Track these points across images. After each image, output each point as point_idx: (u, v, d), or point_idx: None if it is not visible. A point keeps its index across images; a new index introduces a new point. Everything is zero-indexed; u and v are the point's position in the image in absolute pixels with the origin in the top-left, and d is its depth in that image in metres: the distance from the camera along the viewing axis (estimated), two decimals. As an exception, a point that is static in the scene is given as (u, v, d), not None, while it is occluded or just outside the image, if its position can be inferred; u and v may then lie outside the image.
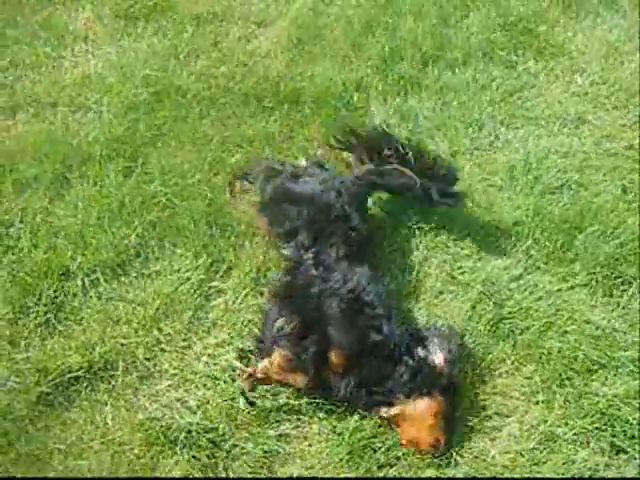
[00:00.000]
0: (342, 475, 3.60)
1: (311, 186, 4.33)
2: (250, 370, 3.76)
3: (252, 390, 3.78)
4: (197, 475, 3.59)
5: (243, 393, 3.78)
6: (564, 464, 3.68)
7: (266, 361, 3.74)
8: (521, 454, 3.73)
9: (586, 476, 3.63)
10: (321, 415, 3.82)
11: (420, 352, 3.74)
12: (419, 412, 3.62)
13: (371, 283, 3.93)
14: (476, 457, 3.72)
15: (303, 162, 4.67)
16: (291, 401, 3.87)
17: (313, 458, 3.71)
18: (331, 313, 3.77)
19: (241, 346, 4.05)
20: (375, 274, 4.09)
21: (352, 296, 3.83)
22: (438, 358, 3.69)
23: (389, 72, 5.82)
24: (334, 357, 3.67)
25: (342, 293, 3.84)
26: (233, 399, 3.85)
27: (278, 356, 3.72)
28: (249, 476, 3.61)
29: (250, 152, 5.09)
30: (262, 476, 3.62)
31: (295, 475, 3.62)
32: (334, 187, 4.30)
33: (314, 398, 3.81)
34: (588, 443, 3.77)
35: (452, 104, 5.61)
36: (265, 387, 3.84)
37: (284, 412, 3.84)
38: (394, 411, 3.63)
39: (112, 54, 5.93)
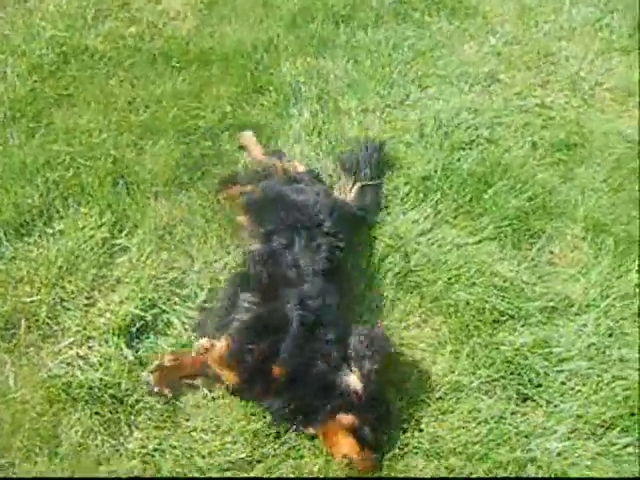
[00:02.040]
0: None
1: (307, 196, 4.24)
2: (159, 360, 3.69)
3: (159, 384, 3.67)
4: (99, 431, 3.52)
5: (148, 384, 3.68)
6: (470, 412, 3.70)
7: (207, 342, 3.63)
8: (428, 404, 3.72)
9: (492, 424, 3.66)
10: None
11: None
12: (338, 430, 3.55)
13: (334, 304, 3.84)
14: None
15: (301, 167, 4.59)
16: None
17: (218, 409, 3.68)
18: (290, 326, 3.66)
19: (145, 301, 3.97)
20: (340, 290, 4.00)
21: (313, 318, 3.71)
22: (353, 381, 3.61)
23: (300, 32, 5.78)
24: (276, 371, 3.59)
25: (307, 310, 3.72)
26: (134, 356, 3.82)
27: (225, 345, 3.61)
28: (154, 432, 3.56)
29: (158, 111, 4.95)
30: (166, 431, 3.59)
31: (199, 428, 3.58)
32: (328, 204, 4.22)
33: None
34: (495, 392, 3.77)
35: (364, 63, 5.60)
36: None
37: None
38: (316, 429, 3.58)
39: (17, 15, 5.76)
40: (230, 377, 3.60)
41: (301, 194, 4.23)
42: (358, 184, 4.52)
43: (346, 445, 3.46)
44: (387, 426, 3.59)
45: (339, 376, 3.57)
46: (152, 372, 3.64)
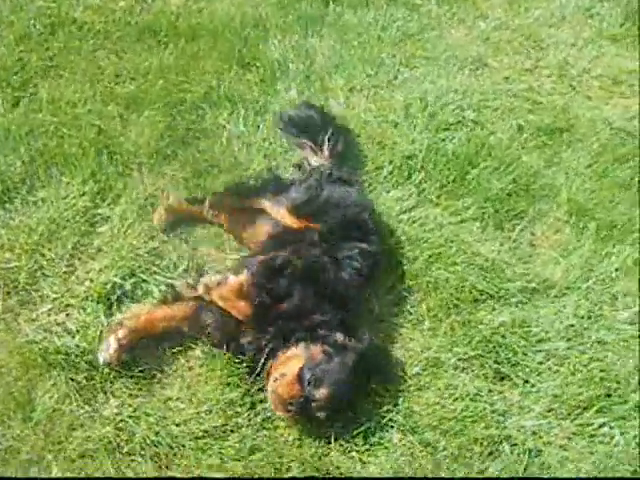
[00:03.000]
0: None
1: (353, 198, 4.24)
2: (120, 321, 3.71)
3: (121, 348, 3.64)
4: (74, 397, 3.52)
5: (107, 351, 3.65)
6: (446, 389, 3.71)
7: (220, 277, 3.65)
8: (404, 379, 3.73)
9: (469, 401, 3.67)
10: (202, 340, 3.76)
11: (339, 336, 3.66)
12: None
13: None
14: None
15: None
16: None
17: (194, 379, 3.68)
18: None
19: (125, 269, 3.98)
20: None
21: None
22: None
23: (290, 10, 5.78)
24: (282, 307, 3.64)
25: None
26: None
27: (247, 277, 3.62)
28: (128, 399, 3.55)
29: (144, 84, 4.94)
30: (141, 399, 3.59)
31: (174, 396, 3.58)
32: (370, 207, 4.25)
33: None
34: (472, 369, 3.77)
35: (352, 43, 5.61)
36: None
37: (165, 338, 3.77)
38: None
39: (6, -15, 5.72)
40: (242, 309, 3.61)
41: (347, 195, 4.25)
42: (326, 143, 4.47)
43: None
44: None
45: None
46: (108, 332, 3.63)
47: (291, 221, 3.97)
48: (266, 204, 4.08)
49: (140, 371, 3.63)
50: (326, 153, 4.45)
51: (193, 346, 3.76)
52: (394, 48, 5.62)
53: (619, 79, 5.60)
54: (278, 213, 4.02)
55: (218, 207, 4.20)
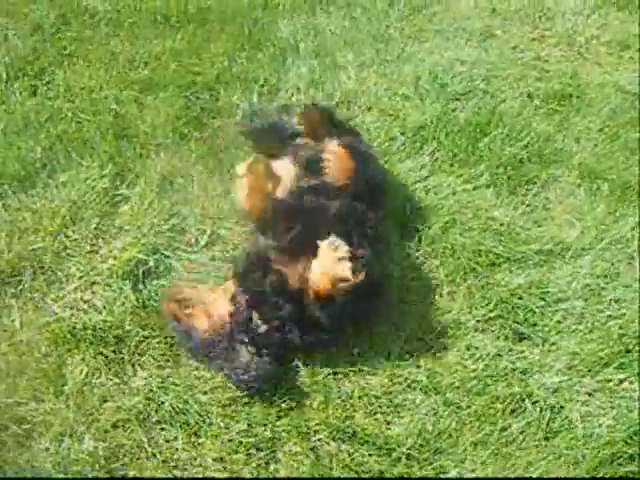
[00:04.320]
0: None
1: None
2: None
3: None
4: (104, 371, 3.59)
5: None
6: (468, 349, 3.74)
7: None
8: (425, 341, 3.79)
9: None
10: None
11: None
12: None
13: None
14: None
15: None
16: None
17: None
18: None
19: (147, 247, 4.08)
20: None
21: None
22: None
23: (297, -11, 5.77)
24: None
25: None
26: (137, 299, 3.88)
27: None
28: (156, 371, 3.62)
29: (157, 68, 5.02)
30: (169, 370, 3.67)
31: (201, 367, 3.66)
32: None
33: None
34: (491, 330, 3.81)
35: (360, 19, 5.66)
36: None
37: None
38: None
39: (17, -22, 5.80)
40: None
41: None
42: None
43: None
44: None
45: None
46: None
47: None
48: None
49: (167, 343, 3.69)
50: None
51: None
52: (402, 22, 5.69)
53: (627, 44, 5.62)
54: None
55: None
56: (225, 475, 3.29)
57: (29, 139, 4.55)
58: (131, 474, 3.29)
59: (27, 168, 4.40)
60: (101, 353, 3.65)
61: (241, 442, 3.38)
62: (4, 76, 5.03)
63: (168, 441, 3.39)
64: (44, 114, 4.72)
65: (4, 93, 4.89)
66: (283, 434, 3.43)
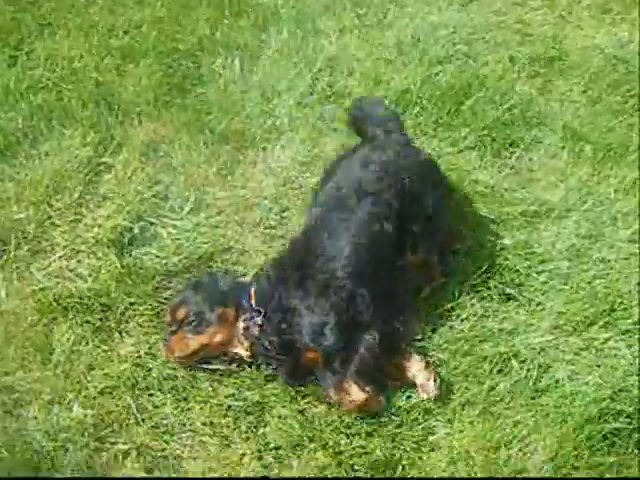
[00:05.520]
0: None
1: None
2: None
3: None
4: (91, 338, 3.59)
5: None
6: (454, 310, 3.78)
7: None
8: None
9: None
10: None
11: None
12: None
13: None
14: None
15: None
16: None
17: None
18: None
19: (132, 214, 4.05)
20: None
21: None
22: None
23: (277, -44, 5.74)
24: None
25: None
26: (123, 267, 3.85)
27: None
28: (143, 337, 3.62)
29: (138, 35, 5.00)
30: (156, 336, 3.65)
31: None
32: None
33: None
34: (477, 291, 3.82)
35: (341, -15, 5.56)
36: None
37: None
38: None
39: (-5, -53, 5.74)
40: None
41: None
42: None
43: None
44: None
45: None
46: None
47: None
48: None
49: (152, 310, 3.69)
50: None
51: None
52: (382, -13, 5.57)
53: (608, 7, 5.62)
54: None
55: None
56: (215, 440, 3.30)
57: (10, 109, 4.53)
58: (120, 440, 3.28)
59: (8, 138, 4.38)
60: (88, 321, 3.65)
61: (230, 406, 3.38)
62: (-18, 47, 4.91)
63: (157, 407, 3.39)
64: (24, 84, 4.69)
65: (-17, 65, 4.78)
66: (272, 397, 3.43)
